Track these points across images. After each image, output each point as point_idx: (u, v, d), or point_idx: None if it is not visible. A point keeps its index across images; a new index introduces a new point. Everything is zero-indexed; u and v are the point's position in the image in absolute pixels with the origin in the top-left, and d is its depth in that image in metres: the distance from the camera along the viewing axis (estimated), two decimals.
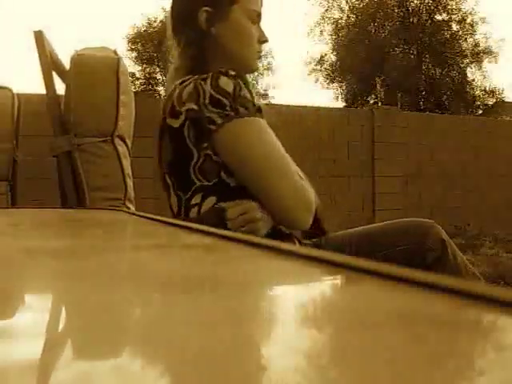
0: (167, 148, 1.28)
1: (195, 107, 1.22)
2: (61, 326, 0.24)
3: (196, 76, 1.25)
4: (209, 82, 1.22)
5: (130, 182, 1.21)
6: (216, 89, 1.21)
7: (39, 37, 1.17)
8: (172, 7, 1.41)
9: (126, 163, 1.19)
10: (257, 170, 1.23)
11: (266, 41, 1.43)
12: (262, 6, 1.41)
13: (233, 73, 1.24)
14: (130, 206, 1.37)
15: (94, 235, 0.63)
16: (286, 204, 1.23)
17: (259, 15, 1.40)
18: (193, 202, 1.24)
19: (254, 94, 1.25)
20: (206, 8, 1.33)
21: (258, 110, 1.25)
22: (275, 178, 1.23)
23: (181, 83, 1.26)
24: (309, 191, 1.26)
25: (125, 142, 1.20)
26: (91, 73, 1.16)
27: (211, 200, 1.23)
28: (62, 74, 1.59)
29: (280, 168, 1.24)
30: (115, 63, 1.15)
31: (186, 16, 1.36)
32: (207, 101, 1.21)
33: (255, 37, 1.39)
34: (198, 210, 1.24)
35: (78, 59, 1.17)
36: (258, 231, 1.19)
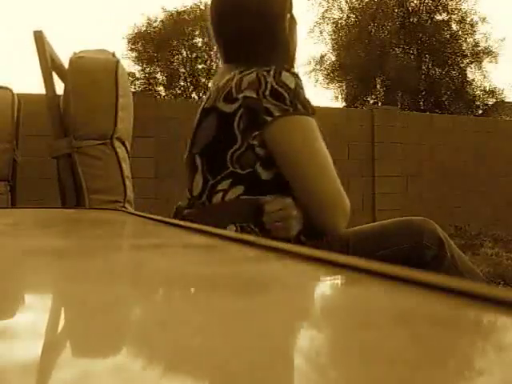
0: (208, 130, 1.28)
1: (254, 96, 1.23)
2: (61, 326, 0.24)
3: (257, 67, 1.27)
4: (272, 73, 1.24)
5: (129, 184, 1.21)
6: (279, 82, 1.23)
7: (39, 37, 1.17)
8: (263, 5, 1.37)
9: (125, 165, 1.18)
10: (305, 169, 1.25)
11: None
12: None
13: (295, 71, 1.28)
14: (129, 207, 1.37)
15: (95, 235, 0.63)
16: (327, 207, 1.25)
17: None
18: (219, 187, 1.25)
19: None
20: (289, 15, 1.40)
21: (313, 112, 1.27)
22: (320, 181, 1.25)
23: (240, 72, 1.28)
24: (346, 197, 1.29)
25: (124, 144, 1.20)
26: (90, 76, 1.15)
27: (239, 189, 1.24)
28: (62, 74, 1.59)
29: (326, 172, 1.26)
30: (114, 66, 1.15)
31: (276, 17, 1.38)
32: (268, 92, 1.23)
33: None
34: (223, 197, 1.25)
35: (77, 62, 1.16)
36: (290, 229, 1.20)
